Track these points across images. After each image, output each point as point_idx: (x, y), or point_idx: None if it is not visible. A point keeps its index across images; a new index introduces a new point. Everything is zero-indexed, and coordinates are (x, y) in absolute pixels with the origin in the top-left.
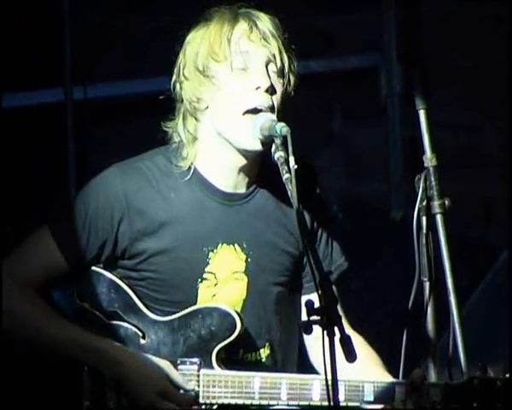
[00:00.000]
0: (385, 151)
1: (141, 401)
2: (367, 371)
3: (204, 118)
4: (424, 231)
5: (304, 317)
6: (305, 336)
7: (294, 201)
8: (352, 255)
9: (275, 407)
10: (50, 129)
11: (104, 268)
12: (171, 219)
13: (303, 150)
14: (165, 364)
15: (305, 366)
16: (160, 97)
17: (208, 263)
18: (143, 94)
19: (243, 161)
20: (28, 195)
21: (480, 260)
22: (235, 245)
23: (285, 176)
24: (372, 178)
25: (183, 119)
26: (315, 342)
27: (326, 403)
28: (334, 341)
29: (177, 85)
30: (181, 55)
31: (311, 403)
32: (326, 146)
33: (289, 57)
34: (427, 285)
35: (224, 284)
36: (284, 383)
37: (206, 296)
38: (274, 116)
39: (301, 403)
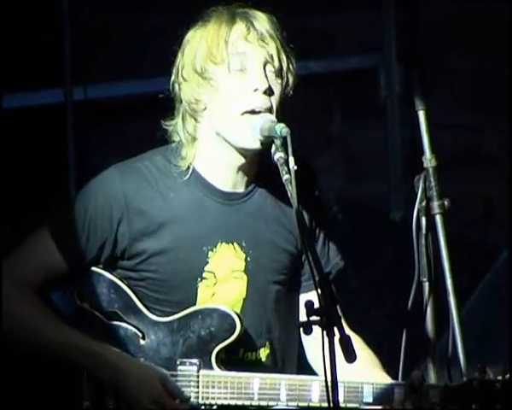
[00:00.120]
0: (384, 152)
1: (137, 407)
2: (365, 372)
3: (203, 119)
4: (424, 231)
5: (303, 317)
6: (302, 336)
7: (294, 202)
8: (351, 256)
9: (274, 408)
10: (50, 130)
11: (104, 269)
12: (170, 219)
13: (302, 151)
14: (162, 372)
15: (303, 367)
16: (160, 96)
17: (208, 262)
18: (143, 94)
19: (242, 160)
20: (28, 195)
21: (479, 260)
22: (235, 244)
23: (285, 177)
24: (372, 178)
25: (183, 119)
26: (313, 341)
27: (325, 404)
28: (333, 341)
29: (176, 86)
30: (179, 55)
31: (311, 404)
32: (325, 147)
33: (287, 57)
34: (426, 286)
35: (224, 283)
36: (283, 384)
37: (206, 296)
38: (273, 117)
39: (300, 404)
